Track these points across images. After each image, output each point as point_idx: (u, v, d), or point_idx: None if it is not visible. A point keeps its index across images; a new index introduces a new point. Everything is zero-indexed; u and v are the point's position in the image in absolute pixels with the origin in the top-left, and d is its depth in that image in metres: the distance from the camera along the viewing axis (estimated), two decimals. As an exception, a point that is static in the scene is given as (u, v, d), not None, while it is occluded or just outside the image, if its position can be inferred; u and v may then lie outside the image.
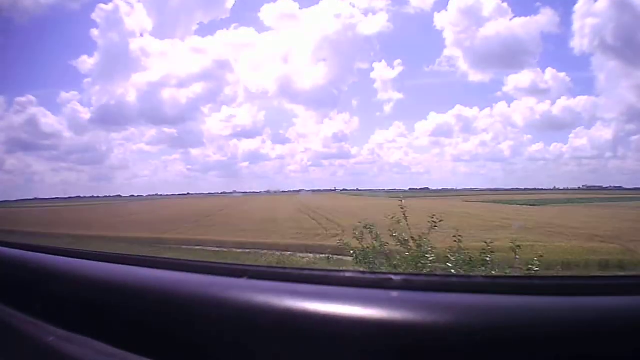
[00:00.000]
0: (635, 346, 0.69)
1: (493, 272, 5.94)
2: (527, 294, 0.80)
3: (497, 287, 0.84)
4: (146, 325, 0.97)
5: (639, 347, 0.68)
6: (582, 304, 0.77)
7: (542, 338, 0.69)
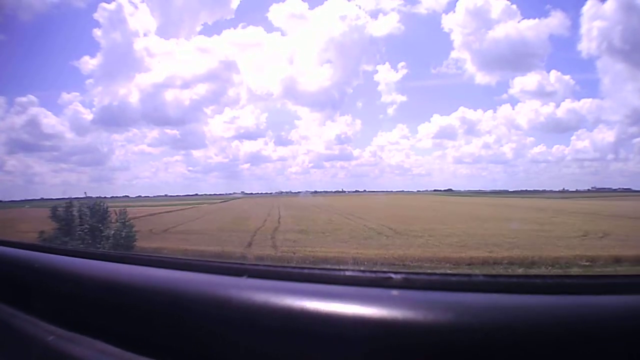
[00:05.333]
0: (635, 345, 0.68)
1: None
2: (527, 293, 0.80)
3: (497, 286, 0.84)
4: (146, 324, 0.97)
5: (639, 346, 0.68)
6: (582, 303, 0.77)
7: (543, 337, 0.69)
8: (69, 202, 24.96)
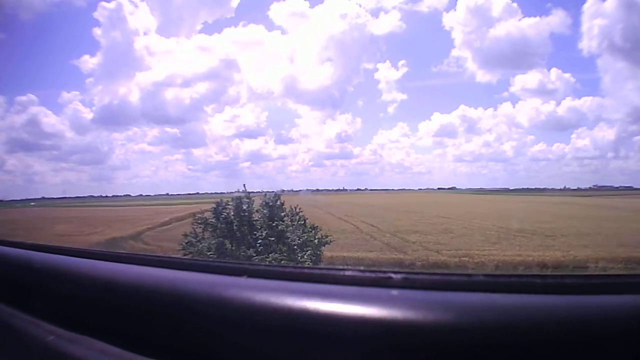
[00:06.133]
0: (635, 345, 0.68)
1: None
2: (527, 293, 0.80)
3: (498, 286, 0.84)
4: (146, 324, 0.97)
5: (639, 346, 0.68)
6: (582, 302, 0.77)
7: (543, 337, 0.69)
8: (238, 198, 17.86)
